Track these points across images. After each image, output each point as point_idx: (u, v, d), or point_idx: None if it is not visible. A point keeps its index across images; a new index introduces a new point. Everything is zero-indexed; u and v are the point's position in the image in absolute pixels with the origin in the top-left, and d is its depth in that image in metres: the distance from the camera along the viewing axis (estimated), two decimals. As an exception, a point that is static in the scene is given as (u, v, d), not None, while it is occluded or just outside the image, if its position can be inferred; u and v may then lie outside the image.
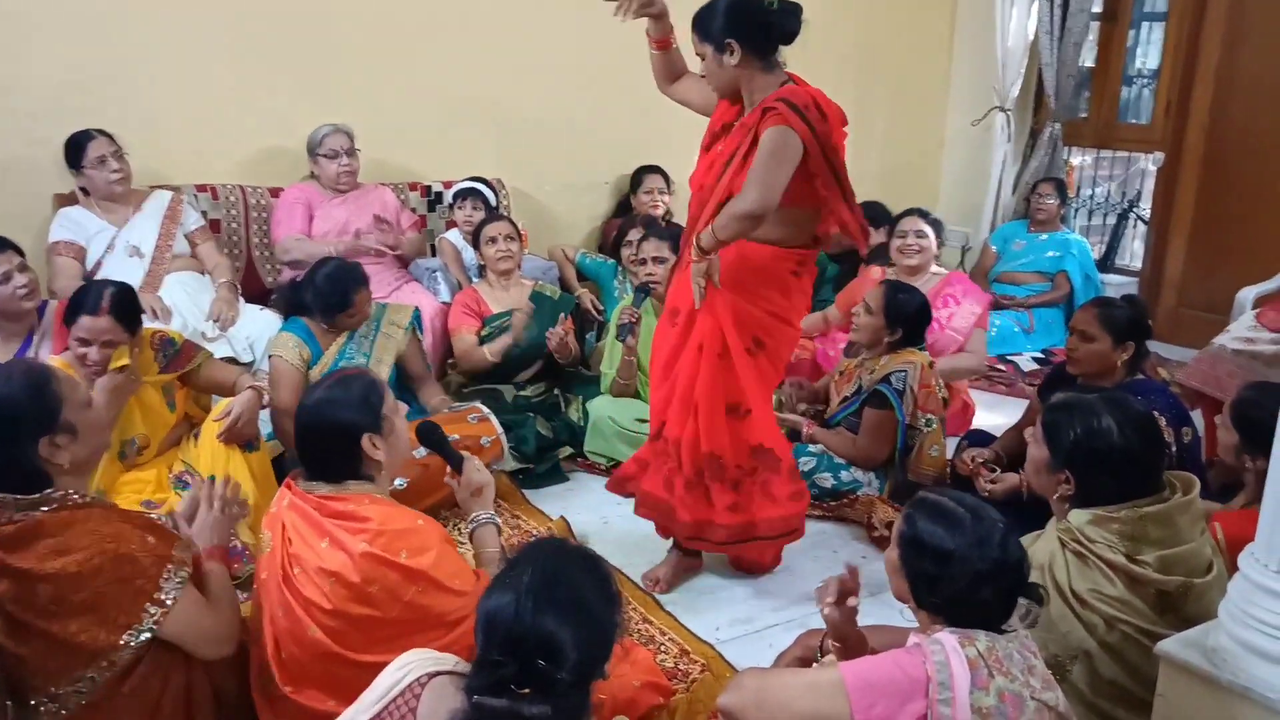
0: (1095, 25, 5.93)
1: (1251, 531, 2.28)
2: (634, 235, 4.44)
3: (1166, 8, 5.68)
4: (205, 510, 2.22)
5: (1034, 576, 1.85)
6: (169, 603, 1.90)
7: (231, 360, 3.71)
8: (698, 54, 2.78)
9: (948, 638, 1.68)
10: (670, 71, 3.01)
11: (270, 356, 3.59)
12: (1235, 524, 2.31)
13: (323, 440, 2.16)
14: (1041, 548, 2.10)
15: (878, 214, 4.91)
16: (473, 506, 2.44)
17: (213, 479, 2.32)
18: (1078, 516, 2.10)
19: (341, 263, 3.66)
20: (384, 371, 3.65)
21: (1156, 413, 2.44)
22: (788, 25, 2.71)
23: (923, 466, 3.52)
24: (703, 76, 2.82)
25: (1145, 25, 6.01)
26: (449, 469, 2.48)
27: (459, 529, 3.36)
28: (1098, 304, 3.20)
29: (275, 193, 4.36)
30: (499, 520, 2.49)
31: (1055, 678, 1.77)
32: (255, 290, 4.27)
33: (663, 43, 2.94)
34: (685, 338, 2.92)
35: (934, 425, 3.49)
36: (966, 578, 1.69)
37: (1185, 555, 2.05)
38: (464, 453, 2.49)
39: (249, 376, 3.28)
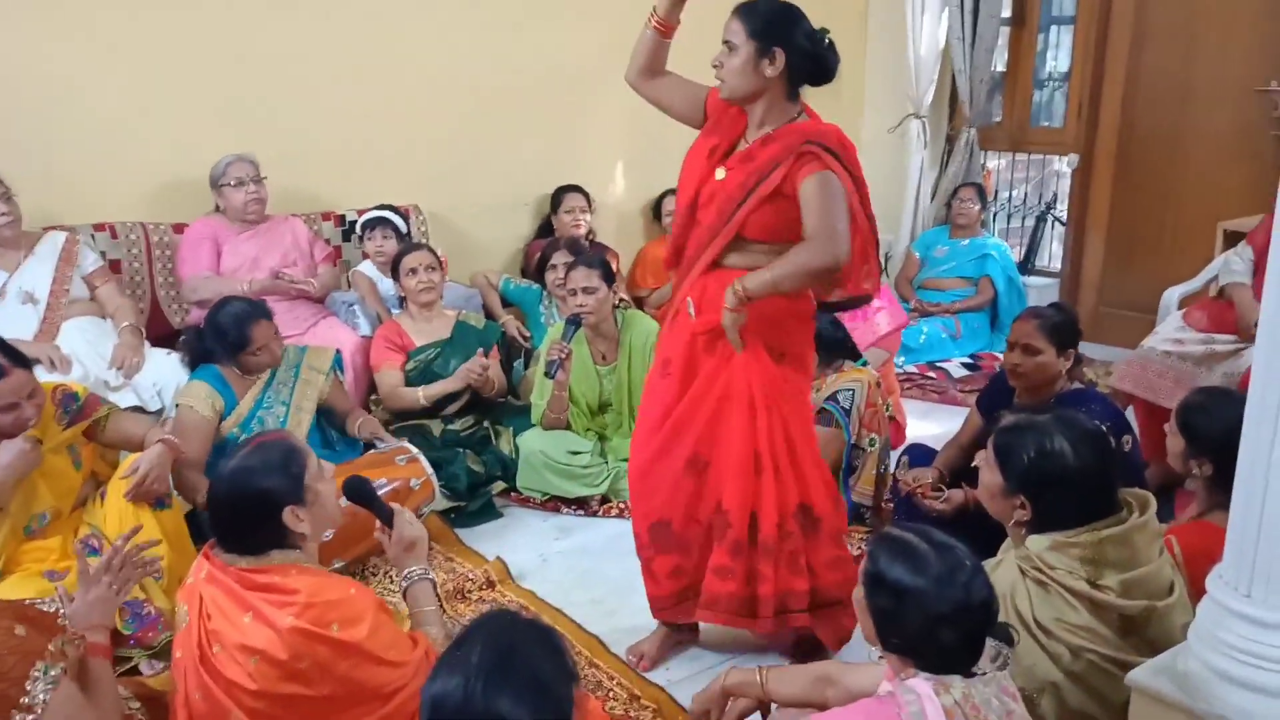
0: (1005, 30, 5.98)
1: (1208, 544, 2.25)
2: (558, 259, 4.33)
3: (1074, 11, 5.75)
4: (83, 588, 2.00)
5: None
6: (39, 707, 1.68)
7: (138, 409, 3.50)
8: (726, 42, 2.48)
9: (922, 685, 1.60)
10: (655, 64, 2.66)
11: (178, 405, 3.41)
12: (1191, 537, 2.28)
13: (241, 512, 2.01)
14: (1002, 576, 2.03)
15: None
16: (406, 562, 2.30)
17: (117, 546, 2.11)
18: (1037, 543, 2.04)
19: (236, 299, 3.52)
20: (305, 420, 3.50)
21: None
22: (829, 66, 2.54)
23: (865, 486, 3.48)
24: (715, 65, 2.51)
25: (1054, 29, 6.09)
26: (379, 523, 2.34)
27: (390, 578, 3.22)
28: (1034, 315, 3.16)
29: (179, 229, 4.14)
30: (434, 576, 2.37)
31: (1025, 713, 1.70)
32: (161, 333, 4.04)
33: (666, 28, 2.60)
34: (683, 391, 2.65)
35: (876, 445, 3.46)
36: (924, 618, 1.61)
37: (1146, 577, 2.01)
38: (394, 505, 2.36)
39: (159, 429, 3.08)
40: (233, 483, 2.01)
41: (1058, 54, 6.14)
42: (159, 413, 3.59)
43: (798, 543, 2.61)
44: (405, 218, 4.51)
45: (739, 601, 2.62)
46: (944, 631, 1.60)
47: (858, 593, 1.74)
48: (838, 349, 3.55)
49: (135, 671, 2.67)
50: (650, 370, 2.81)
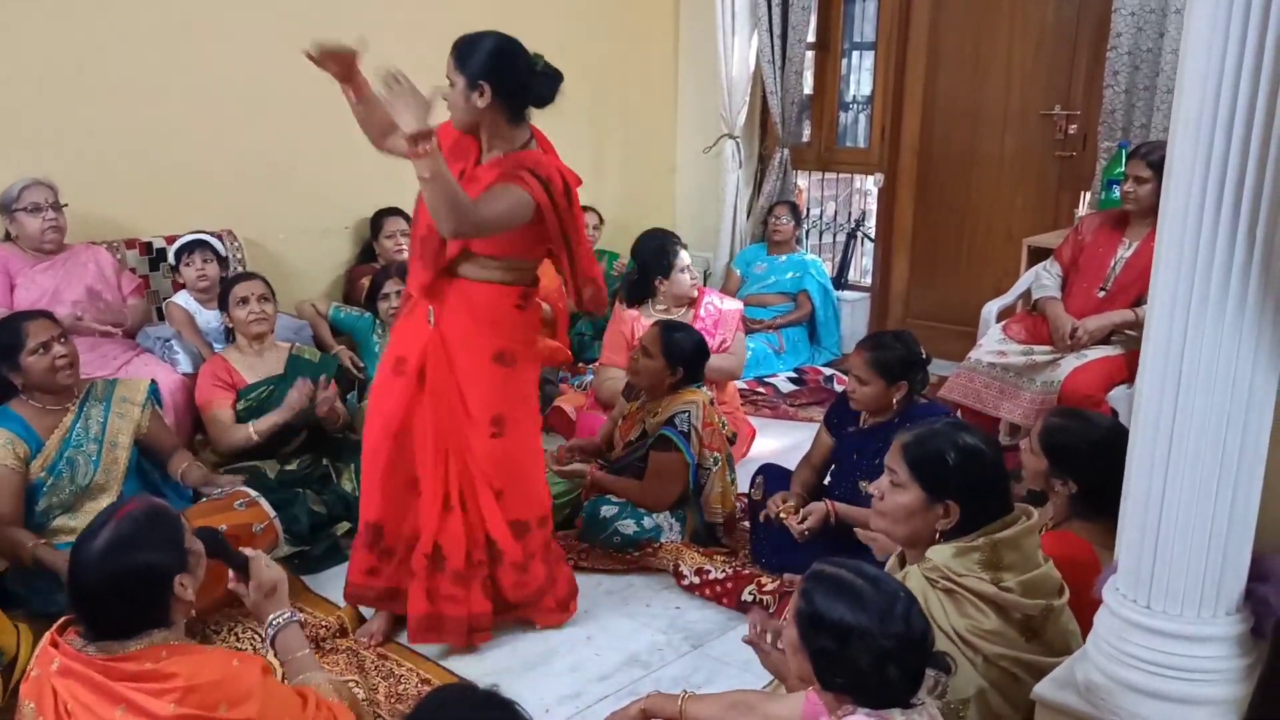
0: (811, 54, 6.19)
1: (1071, 552, 2.38)
2: (390, 288, 4.17)
3: (874, 37, 6.03)
4: None
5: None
6: None
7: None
8: (448, 78, 2.69)
9: (862, 720, 1.60)
10: (380, 124, 2.78)
11: (-27, 459, 3.05)
12: (1055, 546, 2.39)
13: (121, 596, 1.78)
14: (913, 589, 2.06)
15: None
16: (268, 609, 2.15)
17: None
18: (939, 553, 2.05)
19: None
20: (121, 457, 3.21)
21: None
22: (545, 90, 2.72)
23: (715, 504, 3.50)
24: (445, 99, 2.68)
25: (856, 54, 6.36)
26: (231, 574, 2.17)
27: (235, 635, 2.99)
28: (869, 346, 3.22)
29: (-43, 260, 3.72)
30: (300, 616, 2.23)
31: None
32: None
33: (359, 91, 2.76)
34: (419, 393, 2.84)
35: (720, 463, 3.49)
36: (870, 655, 1.61)
37: (1040, 579, 2.06)
38: (246, 550, 2.19)
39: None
40: (106, 564, 1.77)
41: (860, 78, 6.41)
42: (-51, 468, 3.19)
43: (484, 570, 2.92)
44: (222, 241, 4.22)
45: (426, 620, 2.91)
46: (889, 666, 1.60)
47: (790, 633, 1.72)
48: (698, 369, 3.58)
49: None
50: (382, 367, 2.94)
